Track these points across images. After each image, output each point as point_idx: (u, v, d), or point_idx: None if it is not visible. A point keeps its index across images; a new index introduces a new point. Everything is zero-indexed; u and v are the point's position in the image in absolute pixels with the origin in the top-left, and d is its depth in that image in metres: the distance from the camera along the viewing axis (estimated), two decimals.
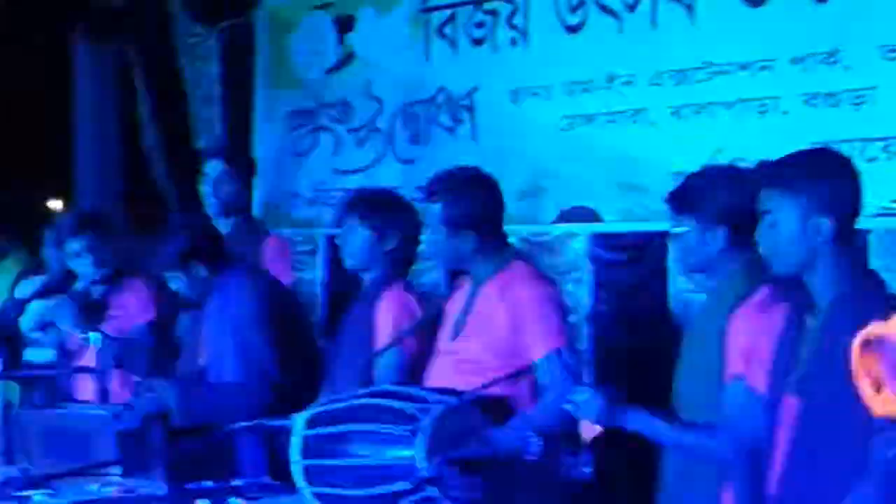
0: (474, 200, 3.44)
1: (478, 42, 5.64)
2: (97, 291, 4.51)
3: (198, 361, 4.00)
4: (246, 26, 6.88)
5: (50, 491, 3.36)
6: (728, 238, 2.94)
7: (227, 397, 3.77)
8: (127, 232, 7.00)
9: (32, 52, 8.07)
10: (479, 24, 5.63)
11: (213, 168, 4.67)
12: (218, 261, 3.95)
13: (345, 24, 6.30)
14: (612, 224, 5.06)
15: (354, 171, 6.10)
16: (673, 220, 3.04)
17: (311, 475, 3.02)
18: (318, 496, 3.02)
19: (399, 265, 3.79)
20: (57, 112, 8.08)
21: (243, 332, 3.82)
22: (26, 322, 4.57)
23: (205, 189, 4.67)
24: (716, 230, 2.94)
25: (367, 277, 3.81)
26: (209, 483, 3.50)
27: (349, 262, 3.85)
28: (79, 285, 4.50)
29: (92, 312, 4.46)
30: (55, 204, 9.62)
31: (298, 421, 3.10)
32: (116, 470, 3.47)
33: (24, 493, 3.30)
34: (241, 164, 4.80)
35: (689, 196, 3.00)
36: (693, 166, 3.40)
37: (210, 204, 4.68)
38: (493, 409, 3.19)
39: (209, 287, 3.93)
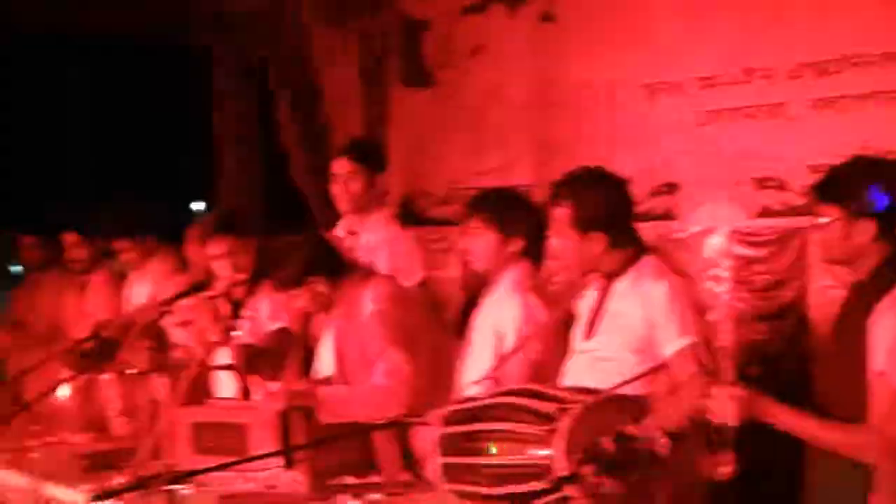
0: (601, 201, 3.40)
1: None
2: (236, 293, 4.60)
3: (329, 370, 4.05)
4: (381, 26, 6.95)
5: (194, 484, 3.44)
6: (874, 231, 2.86)
7: (365, 399, 3.81)
8: (267, 234, 7.13)
9: (173, 56, 8.28)
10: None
11: (341, 167, 4.67)
12: (338, 274, 3.97)
13: (477, 23, 6.33)
14: (750, 220, 4.98)
15: (489, 171, 6.12)
16: (818, 210, 2.96)
17: (449, 472, 3.04)
18: (457, 493, 3.04)
19: (526, 263, 3.78)
20: (200, 115, 8.27)
21: (371, 341, 3.86)
22: (171, 320, 4.67)
23: (335, 188, 4.68)
24: (862, 222, 2.87)
25: (494, 278, 3.82)
26: (350, 479, 3.55)
27: (476, 265, 3.85)
28: (219, 286, 4.59)
29: (231, 313, 4.55)
30: (198, 205, 9.86)
31: (435, 419, 3.12)
32: (262, 464, 3.52)
33: (171, 486, 3.39)
34: (371, 162, 4.79)
35: (836, 186, 2.93)
36: (832, 160, 3.32)
37: (341, 202, 4.69)
38: (630, 406, 3.16)
39: (332, 300, 3.97)
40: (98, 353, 4.69)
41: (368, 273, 4.09)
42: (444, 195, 6.38)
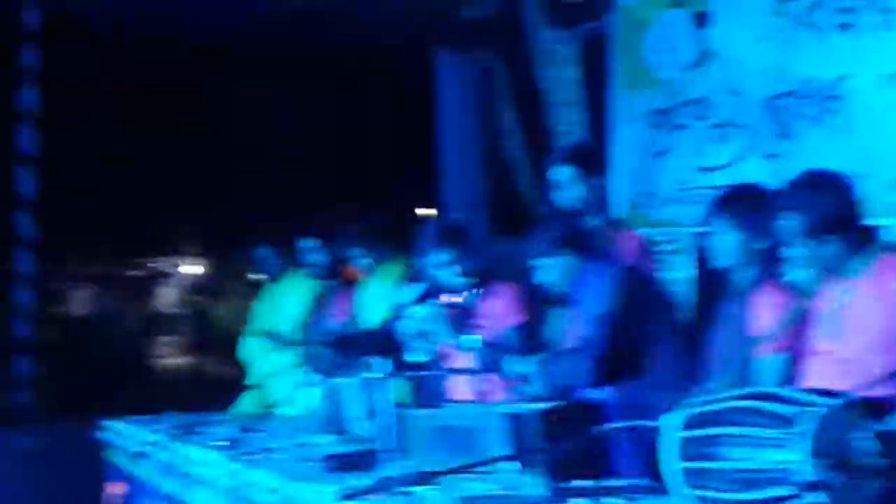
0: (830, 206, 3.33)
1: (845, 27, 5.43)
2: (467, 299, 4.68)
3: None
4: (602, 28, 6.93)
5: (434, 486, 3.51)
6: None
7: (570, 361, 3.86)
8: (492, 238, 7.21)
9: (398, 63, 8.44)
10: (846, 10, 5.42)
11: (559, 173, 4.68)
12: (585, 249, 4.06)
13: (701, 19, 6.23)
14: None
15: (717, 169, 6.02)
16: None
17: (690, 477, 3.01)
18: (698, 499, 3.01)
19: (771, 263, 3.72)
20: (424, 121, 8.41)
21: (602, 315, 3.89)
22: (405, 326, 4.78)
23: (553, 195, 4.69)
24: None
25: (739, 276, 3.77)
26: (588, 482, 3.56)
27: (721, 262, 3.82)
28: (449, 292, 4.67)
29: (463, 319, 4.63)
30: (427, 211, 10.02)
31: (671, 422, 3.10)
32: (501, 467, 3.57)
33: (412, 488, 3.47)
34: (590, 167, 4.77)
35: None
36: None
37: (562, 209, 4.70)
38: (877, 410, 3.06)
39: (577, 274, 4.03)
40: (339, 357, 4.85)
41: (608, 255, 4.15)
42: (671, 195, 6.31)
